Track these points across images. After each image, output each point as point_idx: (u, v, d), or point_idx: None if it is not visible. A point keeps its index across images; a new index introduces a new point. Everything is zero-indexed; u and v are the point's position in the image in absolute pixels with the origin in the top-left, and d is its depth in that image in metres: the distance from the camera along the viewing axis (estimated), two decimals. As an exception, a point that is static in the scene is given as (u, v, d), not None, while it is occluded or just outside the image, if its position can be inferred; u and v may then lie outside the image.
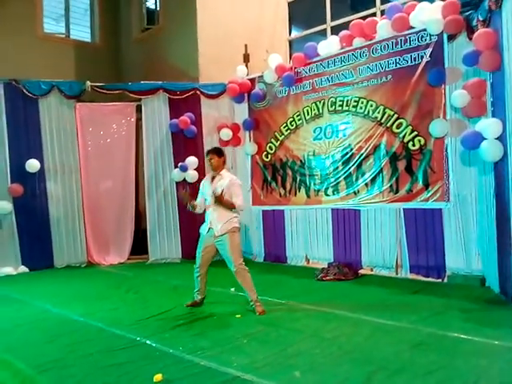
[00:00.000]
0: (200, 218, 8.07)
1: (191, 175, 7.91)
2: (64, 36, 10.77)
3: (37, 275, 7.32)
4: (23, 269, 7.54)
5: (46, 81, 7.89)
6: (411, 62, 5.99)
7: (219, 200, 4.59)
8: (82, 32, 11.01)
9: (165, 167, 8.20)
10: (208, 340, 3.83)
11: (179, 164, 7.92)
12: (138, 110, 8.33)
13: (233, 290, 4.59)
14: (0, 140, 7.52)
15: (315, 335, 3.91)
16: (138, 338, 3.92)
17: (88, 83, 8.04)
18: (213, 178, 4.88)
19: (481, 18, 5.04)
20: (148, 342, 3.84)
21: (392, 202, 6.23)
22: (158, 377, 3.08)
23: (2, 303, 5.52)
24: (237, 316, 4.52)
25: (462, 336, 3.70)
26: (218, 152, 4.87)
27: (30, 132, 7.76)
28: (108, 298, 5.61)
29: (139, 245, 8.51)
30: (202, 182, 5.08)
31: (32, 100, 7.78)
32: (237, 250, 4.73)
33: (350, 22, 6.94)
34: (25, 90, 7.68)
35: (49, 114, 7.91)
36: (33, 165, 7.58)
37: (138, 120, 8.41)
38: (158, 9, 10.37)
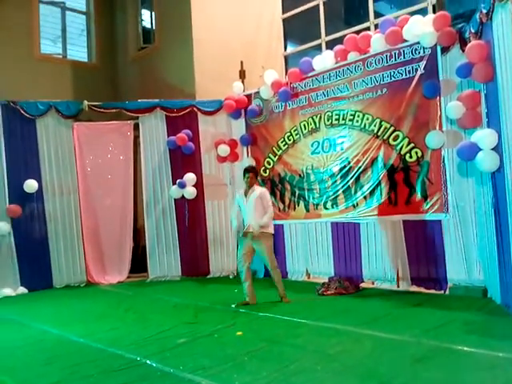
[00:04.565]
0: (200, 236, 8.11)
1: (190, 192, 7.91)
2: (61, 56, 10.85)
3: (36, 296, 7.26)
4: (22, 290, 7.48)
5: (43, 101, 7.92)
6: (406, 74, 6.03)
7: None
8: (78, 52, 11.10)
9: (163, 184, 8.20)
10: (209, 358, 3.78)
11: (177, 181, 7.92)
12: (136, 128, 8.37)
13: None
14: (-2, 161, 7.53)
15: (317, 351, 3.87)
16: (139, 358, 3.87)
17: (85, 103, 8.09)
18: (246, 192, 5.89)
19: (473, 30, 5.09)
20: (148, 361, 3.79)
21: (391, 214, 6.22)
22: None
23: (1, 325, 5.47)
24: (238, 333, 4.48)
25: (466, 349, 3.66)
26: (255, 173, 5.98)
27: (28, 152, 7.77)
28: (108, 317, 5.56)
29: (139, 263, 8.47)
30: (237, 197, 6.09)
31: (29, 120, 7.80)
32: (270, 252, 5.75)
33: (344, 36, 7.00)
34: (22, 111, 7.71)
35: (46, 134, 7.93)
36: (31, 185, 7.57)
37: (136, 138, 8.44)
38: (153, 27, 10.48)
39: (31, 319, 5.62)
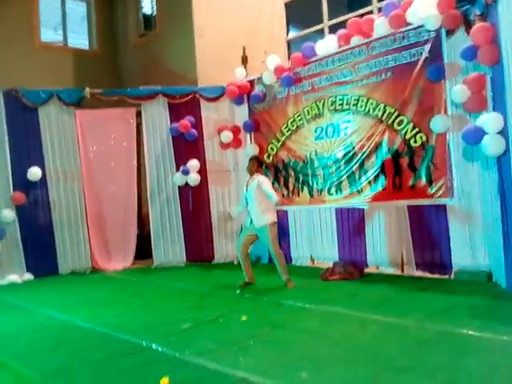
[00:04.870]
0: (204, 222, 8.13)
1: (193, 178, 7.90)
2: (62, 44, 10.79)
3: (42, 282, 7.32)
4: (28, 276, 7.53)
5: (45, 89, 7.89)
6: (410, 58, 5.96)
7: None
8: (79, 40, 11.03)
9: (167, 171, 8.19)
10: (214, 343, 3.81)
11: (181, 167, 7.92)
12: (138, 115, 8.33)
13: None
14: (1, 149, 7.51)
15: (322, 335, 3.90)
16: (144, 343, 3.91)
17: (87, 90, 8.05)
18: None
19: (478, 13, 5.03)
20: (154, 346, 3.82)
21: (396, 199, 6.21)
22: (164, 380, 3.06)
23: (8, 311, 5.53)
24: (242, 318, 4.50)
25: (470, 332, 3.67)
26: (258, 161, 6.05)
27: (31, 140, 7.76)
28: (113, 303, 5.61)
29: (144, 249, 8.52)
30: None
31: (32, 109, 7.78)
32: (275, 240, 5.73)
33: (347, 20, 6.92)
34: (24, 100, 7.69)
35: (49, 122, 7.91)
36: (34, 173, 7.59)
37: (139, 125, 8.42)
38: (154, 14, 10.39)
39: (37, 305, 5.68)
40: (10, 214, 7.40)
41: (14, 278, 7.36)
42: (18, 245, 7.56)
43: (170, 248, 8.17)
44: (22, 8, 9.82)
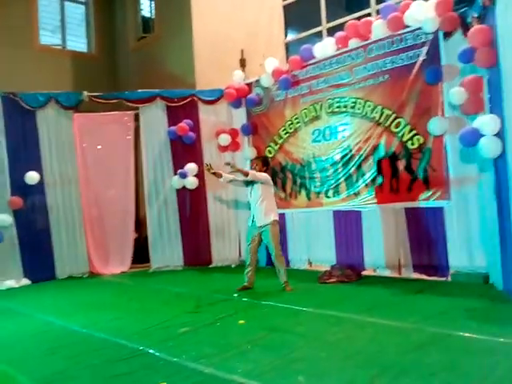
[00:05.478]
0: (202, 225, 8.12)
1: (191, 182, 7.90)
2: (60, 47, 10.81)
3: (39, 287, 7.30)
4: (25, 281, 7.51)
5: (43, 92, 7.90)
6: (407, 60, 5.98)
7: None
8: (78, 43, 11.05)
9: (164, 174, 8.19)
10: (212, 347, 3.79)
11: (179, 171, 7.92)
12: (136, 118, 8.34)
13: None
14: (-1, 153, 7.52)
15: (319, 339, 3.88)
16: (142, 348, 3.88)
17: (85, 93, 8.06)
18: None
19: (475, 15, 5.04)
20: (151, 351, 3.80)
21: (393, 202, 6.21)
22: (161, 386, 3.06)
23: (5, 316, 5.50)
24: (240, 322, 4.49)
25: (467, 335, 3.66)
26: (263, 161, 6.05)
27: (29, 144, 7.75)
28: (111, 307, 5.58)
29: (142, 253, 8.50)
30: None
31: (30, 112, 7.79)
32: (276, 239, 5.72)
33: (345, 23, 6.93)
34: (22, 103, 7.69)
35: (47, 125, 7.91)
36: (32, 177, 7.58)
37: (137, 128, 8.42)
38: (153, 17, 10.40)
39: (34, 310, 5.66)
40: (7, 219, 7.39)
41: (10, 283, 7.34)
42: (16, 249, 7.54)
43: (167, 252, 8.17)
44: (21, 11, 9.86)
